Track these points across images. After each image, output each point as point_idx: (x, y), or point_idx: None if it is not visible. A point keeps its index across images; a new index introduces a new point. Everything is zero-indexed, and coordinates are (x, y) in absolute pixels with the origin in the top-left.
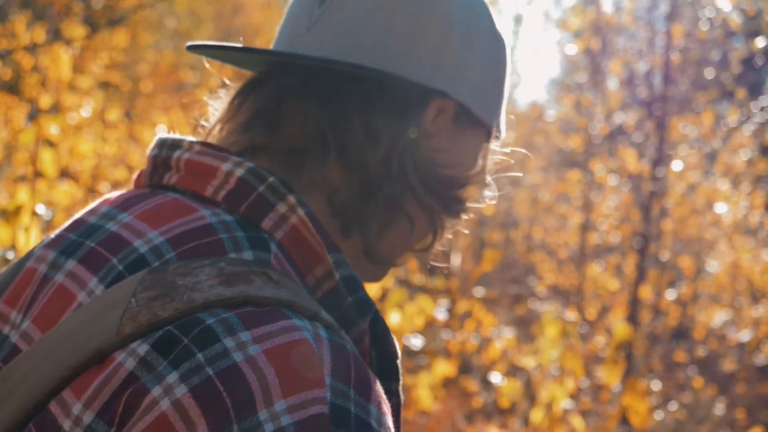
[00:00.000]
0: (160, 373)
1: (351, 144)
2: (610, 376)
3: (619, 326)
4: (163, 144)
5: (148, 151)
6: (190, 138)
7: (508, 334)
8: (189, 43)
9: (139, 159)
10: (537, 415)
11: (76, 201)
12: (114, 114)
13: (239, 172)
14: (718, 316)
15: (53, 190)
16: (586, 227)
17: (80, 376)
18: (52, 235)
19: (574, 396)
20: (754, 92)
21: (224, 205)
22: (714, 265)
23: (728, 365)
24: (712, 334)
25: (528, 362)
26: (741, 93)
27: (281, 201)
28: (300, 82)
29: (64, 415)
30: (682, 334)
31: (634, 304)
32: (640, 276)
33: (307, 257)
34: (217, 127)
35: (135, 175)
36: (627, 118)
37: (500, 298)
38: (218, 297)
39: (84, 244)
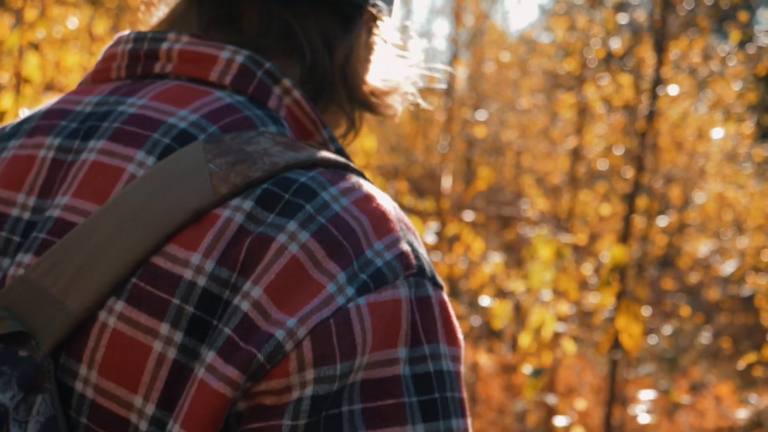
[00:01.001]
0: (276, 223)
1: (311, 51)
2: (603, 299)
3: (615, 248)
4: (140, 38)
5: (115, 47)
6: (171, 32)
7: (497, 258)
8: None
9: None
10: (525, 340)
11: None
12: (101, 27)
13: (239, 58)
14: (704, 247)
15: (38, 99)
16: (577, 152)
17: (180, 234)
18: (11, 127)
19: (566, 320)
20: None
21: (231, 89)
22: (701, 196)
23: (712, 295)
24: (698, 264)
25: (517, 286)
26: (743, 16)
27: (277, 84)
28: None
29: (181, 266)
30: (668, 262)
31: (626, 229)
32: (633, 202)
33: (304, 135)
34: (131, 34)
35: (93, 72)
36: (623, 42)
37: (489, 222)
38: (294, 160)
39: (102, 126)
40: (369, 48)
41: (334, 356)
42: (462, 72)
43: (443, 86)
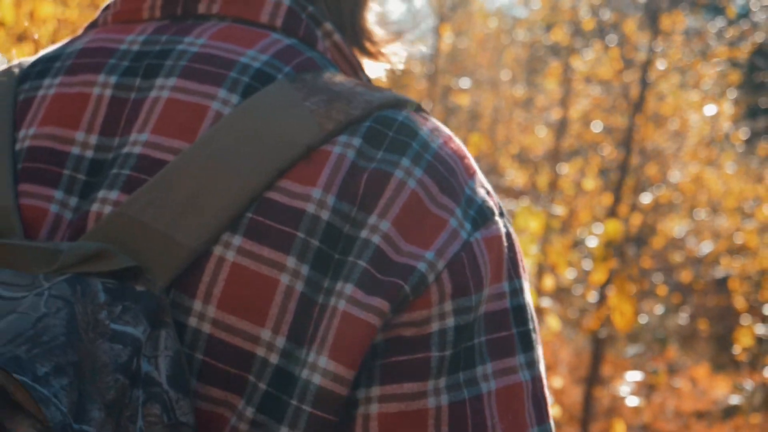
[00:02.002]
0: (389, 159)
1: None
2: (596, 275)
3: (609, 223)
4: None
5: None
6: None
7: None
8: None
9: None
10: None
11: None
12: None
13: (286, 1)
14: (679, 227)
15: (9, 48)
16: (562, 125)
17: (292, 170)
18: (30, 66)
19: (554, 294)
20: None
21: (281, 31)
22: (677, 175)
23: (686, 276)
24: (671, 244)
25: None
26: None
27: (319, 27)
28: None
29: (301, 200)
30: (642, 241)
31: (616, 204)
32: (623, 177)
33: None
34: None
35: (114, 13)
36: (614, 14)
37: None
38: (385, 99)
39: (165, 64)
40: None
41: (469, 288)
42: (448, 37)
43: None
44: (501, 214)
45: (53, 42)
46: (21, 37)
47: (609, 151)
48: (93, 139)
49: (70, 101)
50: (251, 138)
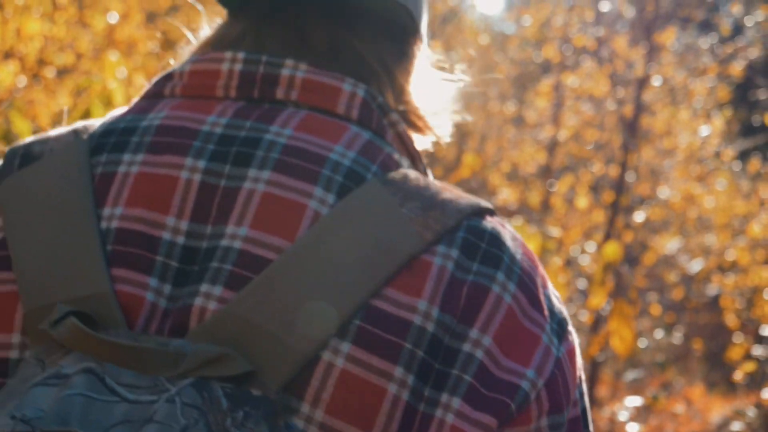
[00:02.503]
0: (485, 273)
1: (379, 76)
2: (595, 299)
3: (608, 245)
4: (252, 60)
5: (210, 64)
6: (288, 59)
7: None
8: None
9: (88, 46)
10: None
11: (19, 83)
12: None
13: (360, 92)
14: (671, 244)
15: None
16: (554, 142)
17: (396, 278)
18: (101, 135)
19: None
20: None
21: (357, 123)
22: (667, 192)
23: (677, 294)
24: (662, 262)
25: None
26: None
27: (386, 117)
28: (324, 12)
29: (407, 311)
30: (633, 259)
31: (611, 225)
32: (618, 195)
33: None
34: (237, 54)
35: (182, 86)
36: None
37: None
38: (471, 208)
39: (256, 154)
40: (416, 70)
41: (562, 404)
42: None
43: None
44: (569, 320)
45: (41, 60)
46: (8, 54)
47: (599, 168)
48: (184, 224)
49: (157, 183)
50: (355, 244)
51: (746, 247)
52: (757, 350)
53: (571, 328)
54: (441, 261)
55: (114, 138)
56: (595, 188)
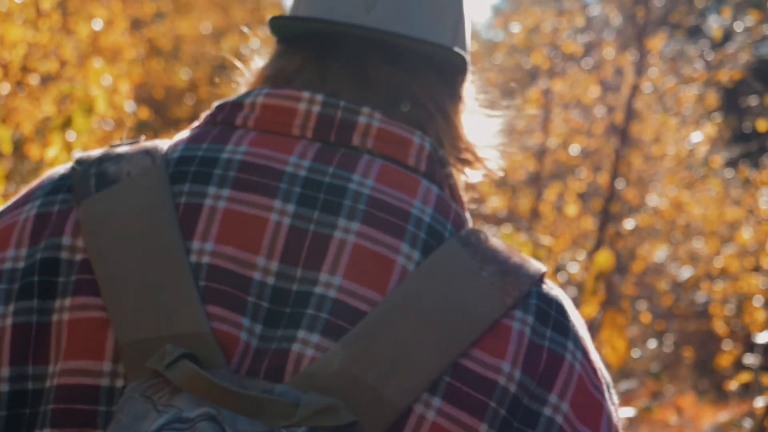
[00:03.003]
0: (558, 340)
1: (435, 119)
2: (587, 308)
3: (601, 254)
4: (330, 104)
5: (287, 101)
6: (364, 106)
7: None
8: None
9: (72, 53)
10: None
11: (2, 90)
12: (48, 2)
13: (427, 145)
14: (660, 252)
15: None
16: (541, 150)
17: (481, 340)
18: (178, 163)
19: None
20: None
21: (425, 175)
22: (655, 199)
23: (666, 301)
24: (651, 269)
25: None
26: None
27: (444, 169)
28: (383, 54)
29: (493, 371)
30: (622, 268)
31: (601, 233)
32: (608, 203)
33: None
34: (316, 96)
35: (255, 120)
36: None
37: None
38: (537, 273)
39: (344, 204)
40: (464, 106)
41: None
42: None
43: None
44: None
45: (24, 67)
46: None
47: (587, 175)
48: (274, 266)
49: (247, 223)
50: (443, 304)
51: (735, 255)
52: (749, 359)
53: (614, 390)
54: (520, 326)
55: (194, 167)
56: (583, 196)
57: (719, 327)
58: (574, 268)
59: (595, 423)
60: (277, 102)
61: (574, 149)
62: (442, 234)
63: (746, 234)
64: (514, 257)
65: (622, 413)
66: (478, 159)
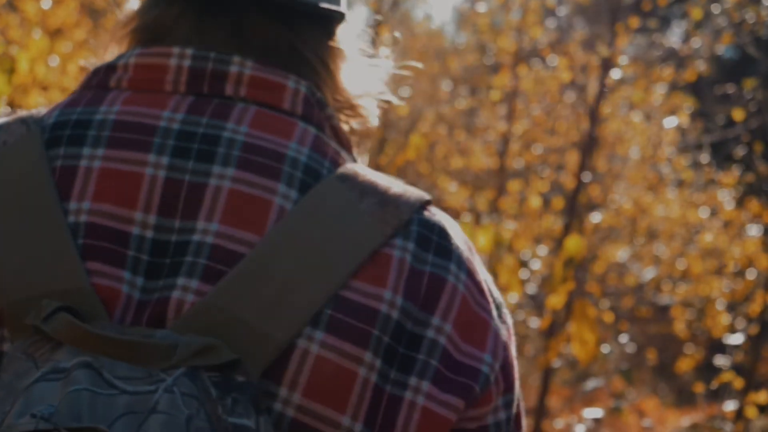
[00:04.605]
0: (440, 264)
1: (315, 67)
2: (555, 298)
3: (571, 239)
4: (200, 57)
5: (158, 58)
6: (235, 56)
7: None
8: None
9: (17, 31)
10: None
11: None
12: None
13: (303, 88)
14: (622, 252)
15: None
16: (504, 142)
17: (362, 271)
18: (54, 127)
19: None
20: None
21: (302, 118)
22: (617, 200)
23: (627, 302)
24: (612, 270)
25: None
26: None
27: (323, 112)
28: (261, 7)
29: (374, 300)
30: (584, 267)
31: (569, 225)
32: (577, 192)
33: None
34: (186, 50)
35: (129, 80)
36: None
37: None
38: (419, 201)
39: (218, 151)
40: (347, 57)
41: (513, 383)
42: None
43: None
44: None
45: None
46: None
47: (549, 174)
48: (152, 219)
49: (123, 179)
50: (321, 239)
51: (698, 256)
52: (720, 360)
53: (506, 310)
54: (400, 253)
55: (69, 131)
56: (546, 196)
57: (681, 330)
58: (536, 265)
59: (480, 341)
60: (148, 60)
61: (537, 148)
62: (319, 172)
63: (709, 236)
64: (395, 188)
65: (589, 413)
66: (356, 108)
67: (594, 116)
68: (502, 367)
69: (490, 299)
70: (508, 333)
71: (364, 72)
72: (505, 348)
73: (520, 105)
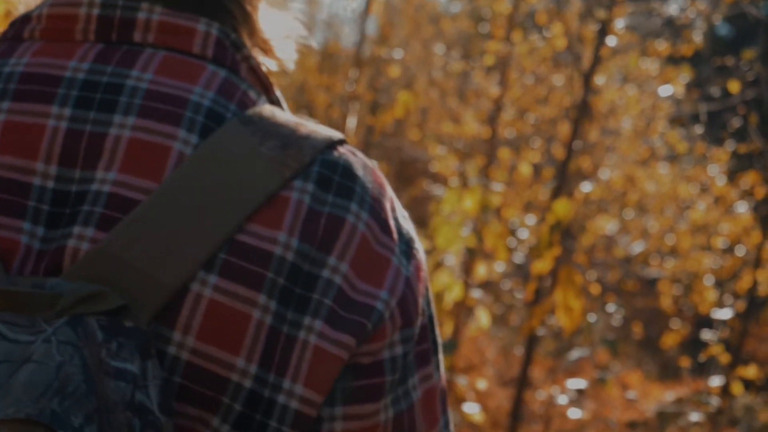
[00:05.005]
0: (340, 204)
1: (230, 8)
2: (541, 264)
3: (559, 203)
4: (108, 4)
5: (67, 8)
6: (144, 2)
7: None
8: None
9: None
10: None
11: None
12: None
13: (214, 31)
14: (610, 225)
15: None
16: (497, 110)
17: (257, 214)
18: None
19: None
20: None
21: (213, 61)
22: (607, 173)
23: (614, 276)
24: (600, 243)
25: (421, 244)
26: None
27: (239, 53)
28: None
29: (269, 243)
30: (570, 236)
31: (559, 189)
32: (568, 158)
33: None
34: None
35: (41, 30)
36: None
37: (390, 179)
38: (324, 143)
39: (120, 100)
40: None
41: (412, 319)
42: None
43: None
44: (416, 237)
45: None
46: None
47: (540, 145)
48: (53, 169)
49: (25, 131)
50: (218, 184)
51: (687, 232)
52: (707, 335)
53: (417, 245)
54: (298, 195)
55: None
56: (537, 167)
57: (667, 305)
58: (524, 234)
59: (378, 279)
60: (59, 10)
61: (530, 117)
62: (223, 115)
63: (699, 212)
64: (301, 130)
65: (572, 384)
66: (274, 50)
67: (588, 84)
68: (400, 302)
69: (396, 236)
70: (415, 269)
71: (281, 14)
72: (407, 283)
73: (514, 73)
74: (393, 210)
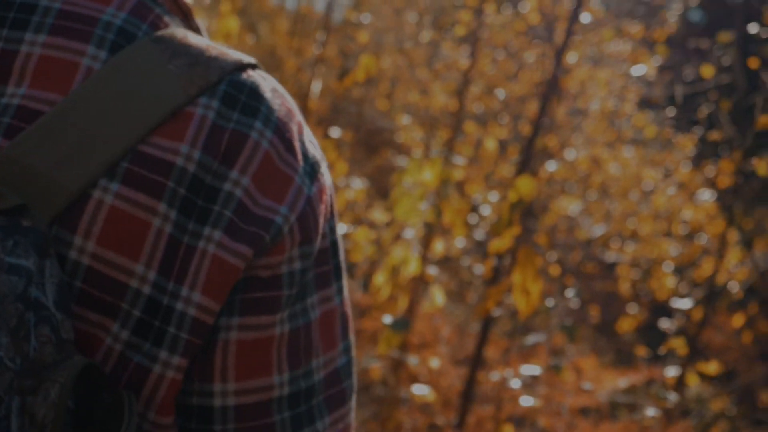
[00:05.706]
0: (244, 122)
1: None
2: (500, 242)
3: (522, 180)
4: None
5: None
6: None
7: (359, 184)
8: None
9: None
10: (379, 279)
11: None
12: None
13: None
14: (573, 206)
15: None
16: (465, 82)
17: (161, 127)
18: None
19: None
20: None
21: None
22: (573, 154)
23: (574, 258)
24: (562, 223)
25: (380, 217)
26: None
27: None
28: None
29: (171, 154)
30: (533, 215)
31: (523, 166)
32: (535, 134)
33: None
34: None
35: None
36: None
37: (355, 147)
38: (234, 65)
39: (32, 19)
40: None
41: (312, 236)
42: None
43: None
44: (323, 163)
45: None
46: None
47: (508, 121)
48: None
49: None
50: (124, 96)
51: (649, 217)
52: (665, 323)
53: (324, 170)
54: (203, 111)
55: None
56: (503, 143)
57: (625, 289)
58: (486, 211)
59: (280, 195)
60: None
61: (500, 93)
62: (134, 34)
63: (662, 197)
64: (212, 51)
65: (526, 370)
66: None
67: (559, 60)
68: (300, 218)
69: (300, 157)
70: (318, 190)
71: None
72: (309, 202)
73: (485, 47)
74: (300, 133)
